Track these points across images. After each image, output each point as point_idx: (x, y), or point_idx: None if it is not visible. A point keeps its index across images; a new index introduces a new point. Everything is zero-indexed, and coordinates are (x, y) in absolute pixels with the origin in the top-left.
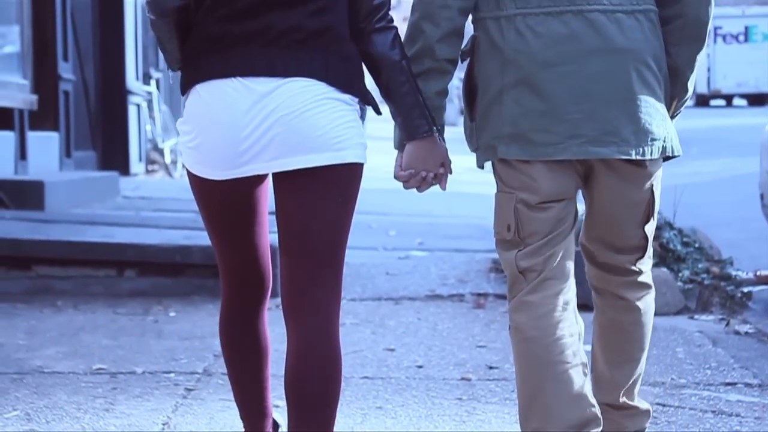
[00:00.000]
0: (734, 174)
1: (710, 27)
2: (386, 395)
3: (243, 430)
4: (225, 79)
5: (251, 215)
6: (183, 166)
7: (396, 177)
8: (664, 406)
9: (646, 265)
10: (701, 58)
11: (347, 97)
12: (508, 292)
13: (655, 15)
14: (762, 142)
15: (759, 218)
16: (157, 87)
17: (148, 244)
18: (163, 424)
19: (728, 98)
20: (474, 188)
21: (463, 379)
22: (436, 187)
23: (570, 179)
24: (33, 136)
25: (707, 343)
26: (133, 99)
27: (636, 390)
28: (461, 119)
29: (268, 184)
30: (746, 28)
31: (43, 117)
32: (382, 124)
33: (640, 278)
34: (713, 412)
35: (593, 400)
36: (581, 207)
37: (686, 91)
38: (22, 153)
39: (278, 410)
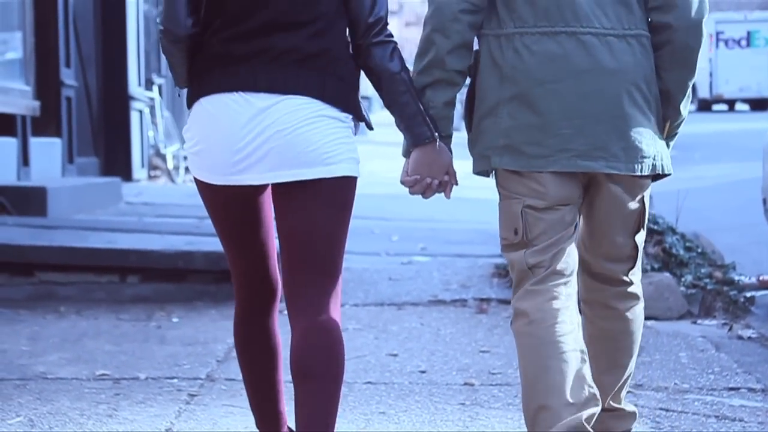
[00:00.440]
0: (737, 179)
1: (702, 51)
2: (389, 400)
3: None
4: (228, 93)
5: (255, 220)
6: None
7: (402, 182)
8: (667, 411)
9: (636, 276)
10: (703, 63)
11: (342, 114)
12: (514, 287)
13: (647, 40)
14: (764, 146)
15: (762, 223)
16: (160, 93)
17: (151, 250)
18: (166, 430)
19: (730, 103)
20: (476, 193)
21: (466, 384)
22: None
23: (575, 187)
24: (35, 142)
25: (710, 348)
26: (135, 105)
27: (623, 393)
28: (462, 124)
29: (269, 194)
30: (748, 33)
31: (46, 123)
32: (385, 129)
33: (630, 289)
34: (716, 417)
35: (592, 382)
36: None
37: (679, 114)
38: (24, 159)
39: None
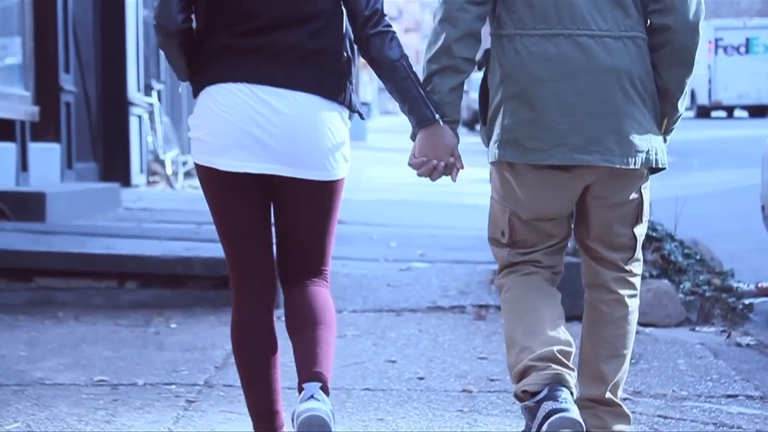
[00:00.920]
0: (735, 185)
1: (699, 51)
2: (387, 407)
3: None
4: (234, 83)
5: (254, 207)
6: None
7: (410, 164)
8: (665, 418)
9: (636, 268)
10: (702, 70)
11: (339, 108)
12: (498, 270)
13: (642, 41)
14: (763, 153)
15: (760, 230)
16: (159, 98)
17: (150, 256)
18: None
19: (729, 110)
20: (476, 200)
21: (464, 391)
22: (438, 199)
23: (563, 199)
24: (34, 148)
25: (709, 355)
26: (134, 110)
27: (619, 391)
28: (463, 130)
29: (266, 189)
30: (747, 39)
31: (45, 128)
32: (384, 135)
33: (630, 278)
34: (715, 424)
35: (566, 331)
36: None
37: (676, 110)
38: (23, 164)
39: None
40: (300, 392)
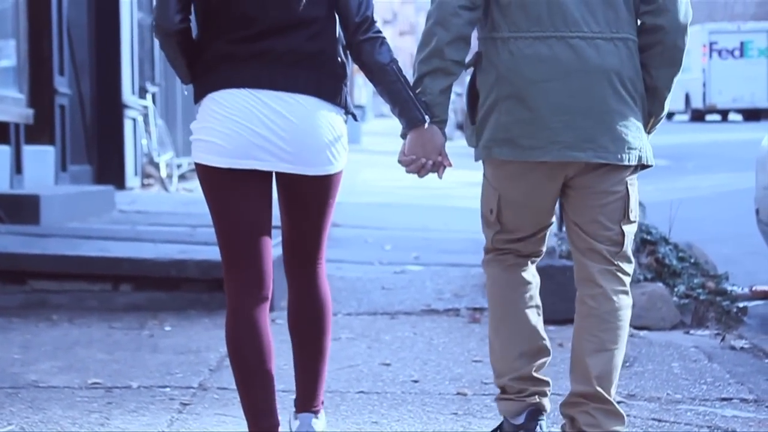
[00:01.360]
0: (730, 189)
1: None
2: (382, 410)
3: None
4: (236, 88)
5: (257, 201)
6: (180, 178)
7: (399, 162)
8: (659, 421)
9: (625, 266)
10: (697, 74)
11: (336, 108)
12: (484, 249)
13: (633, 43)
14: (758, 157)
15: (755, 233)
16: (153, 101)
17: (144, 258)
18: None
19: (724, 113)
20: (470, 203)
21: (458, 393)
22: (432, 202)
23: (544, 188)
24: (28, 150)
25: (703, 359)
26: (128, 113)
27: (612, 389)
28: (457, 133)
29: (270, 186)
30: (742, 43)
31: (39, 131)
32: (378, 138)
33: (618, 272)
34: (709, 427)
35: (544, 335)
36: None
37: (663, 109)
38: (17, 167)
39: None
40: (296, 407)
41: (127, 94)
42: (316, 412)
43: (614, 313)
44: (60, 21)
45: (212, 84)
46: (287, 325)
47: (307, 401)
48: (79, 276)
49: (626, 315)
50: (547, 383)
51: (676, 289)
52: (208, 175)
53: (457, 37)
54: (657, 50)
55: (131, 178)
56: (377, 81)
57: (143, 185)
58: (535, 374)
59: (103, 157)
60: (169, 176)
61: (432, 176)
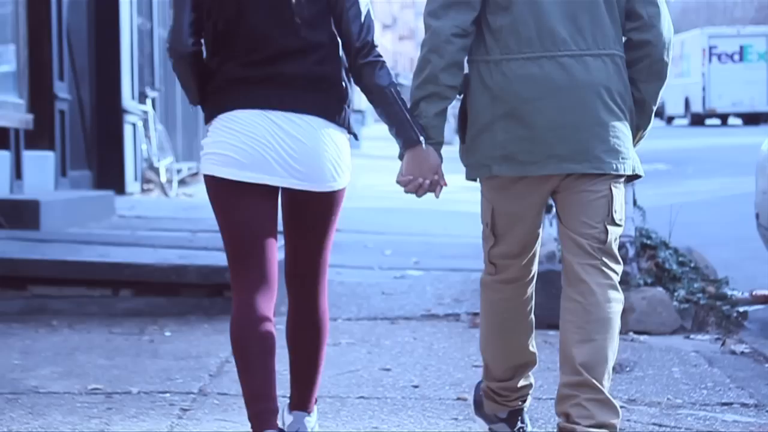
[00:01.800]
0: (730, 193)
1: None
2: (382, 415)
3: None
4: (249, 109)
5: (265, 217)
6: (180, 183)
7: (398, 182)
8: (660, 426)
9: (611, 262)
10: (696, 78)
11: (342, 129)
12: (484, 263)
13: (620, 59)
14: (758, 161)
15: (755, 238)
16: (153, 106)
17: (144, 264)
18: None
19: (723, 117)
20: (470, 207)
21: (458, 399)
22: (432, 206)
23: (534, 201)
24: (28, 156)
25: (703, 363)
26: (128, 118)
27: (605, 380)
28: (455, 138)
29: (276, 199)
30: (741, 47)
31: (39, 136)
32: (379, 143)
33: (603, 267)
34: None
35: (533, 349)
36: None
37: (650, 121)
38: (17, 172)
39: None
40: (289, 406)
41: (127, 99)
42: (309, 412)
43: (600, 305)
44: (60, 26)
45: (224, 105)
46: (285, 332)
47: (300, 402)
48: (79, 281)
49: (614, 308)
50: (530, 386)
51: (676, 294)
52: (218, 187)
53: (450, 63)
54: (645, 64)
55: (131, 183)
56: (376, 102)
57: (143, 190)
58: (519, 384)
59: (102, 162)
60: (169, 181)
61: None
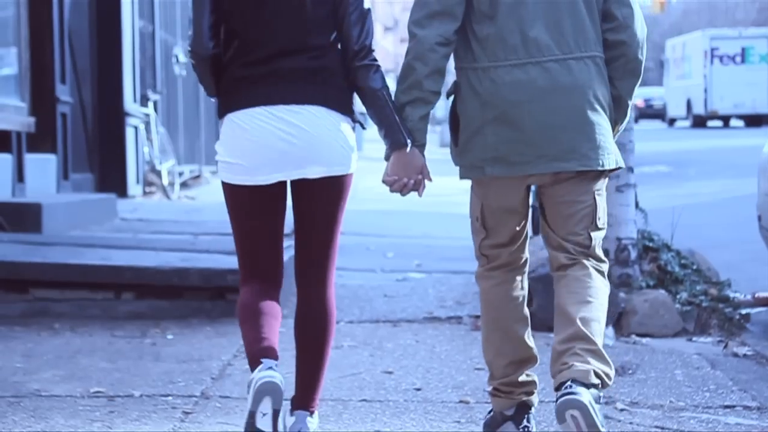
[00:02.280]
0: (732, 195)
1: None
2: (384, 418)
3: None
4: (252, 108)
5: (275, 211)
6: (182, 186)
7: (383, 182)
8: (663, 429)
9: (594, 260)
10: (698, 80)
11: (343, 116)
12: (476, 257)
13: (600, 60)
14: (760, 163)
15: (757, 240)
16: (155, 109)
17: (146, 267)
18: None
19: (725, 119)
20: None
21: (461, 401)
22: (434, 209)
23: (522, 197)
24: (30, 159)
25: (706, 366)
26: (130, 121)
27: (598, 337)
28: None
29: (286, 194)
30: (743, 49)
31: (41, 139)
32: (381, 145)
33: (588, 261)
34: None
35: (532, 344)
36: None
37: (626, 115)
38: (19, 175)
39: None
40: (292, 406)
41: (129, 102)
42: (311, 412)
43: (590, 276)
44: (61, 29)
45: (231, 104)
46: (293, 329)
47: (303, 401)
48: (81, 284)
49: (604, 286)
50: (533, 383)
51: (678, 296)
52: (230, 189)
53: (434, 70)
54: (620, 63)
55: (133, 186)
56: (369, 104)
57: (145, 193)
58: (521, 379)
59: (104, 165)
60: (171, 184)
61: (437, 185)
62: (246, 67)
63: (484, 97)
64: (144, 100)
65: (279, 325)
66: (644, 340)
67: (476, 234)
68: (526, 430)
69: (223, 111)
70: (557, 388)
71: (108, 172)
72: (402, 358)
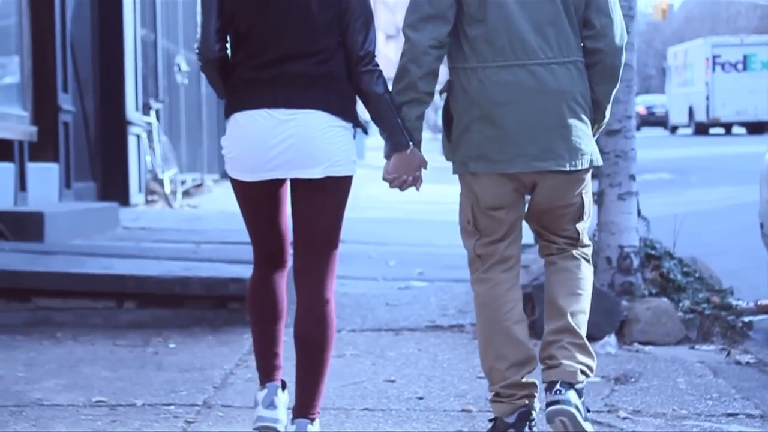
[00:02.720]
0: (734, 203)
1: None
2: (386, 427)
3: None
4: (256, 109)
5: (276, 208)
6: (184, 194)
7: (384, 179)
8: None
9: (583, 248)
10: (700, 87)
11: (344, 123)
12: (469, 267)
13: (581, 64)
14: (761, 170)
15: (759, 247)
16: (157, 117)
17: (148, 276)
18: None
19: (727, 126)
20: None
21: (463, 410)
22: (436, 217)
23: (510, 194)
24: (33, 168)
25: (708, 374)
26: (132, 130)
27: (582, 328)
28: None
29: (287, 188)
30: (745, 56)
31: (43, 148)
32: (382, 153)
33: (572, 251)
34: None
35: (530, 346)
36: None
37: (604, 117)
38: (21, 184)
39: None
40: (293, 414)
41: (131, 111)
42: (312, 420)
43: (579, 265)
44: (63, 38)
45: (237, 105)
46: (293, 336)
47: (304, 408)
48: (83, 293)
49: (590, 275)
50: (534, 386)
51: (680, 304)
52: (236, 185)
53: (427, 72)
54: (598, 69)
55: (135, 195)
56: (371, 107)
57: (147, 202)
58: (522, 381)
59: (107, 173)
60: (173, 192)
61: (438, 192)
62: (253, 69)
63: (471, 95)
64: (146, 109)
65: (284, 323)
66: (647, 348)
67: (469, 237)
68: None
69: (229, 110)
70: (548, 388)
71: (110, 180)
72: (404, 366)
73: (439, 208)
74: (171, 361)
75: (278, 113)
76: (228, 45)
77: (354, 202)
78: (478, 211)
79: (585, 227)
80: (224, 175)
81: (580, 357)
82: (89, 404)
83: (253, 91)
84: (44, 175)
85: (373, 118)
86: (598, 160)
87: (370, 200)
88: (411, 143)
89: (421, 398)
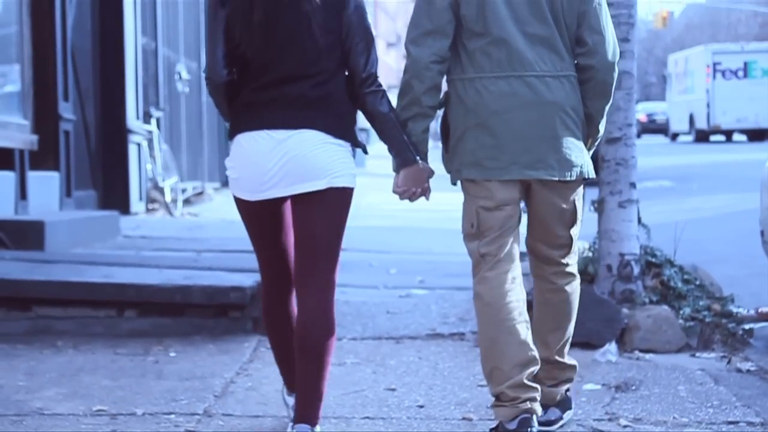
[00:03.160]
0: (734, 210)
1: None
2: None
3: None
4: (256, 131)
5: (279, 225)
6: (185, 203)
7: (394, 191)
8: None
9: (572, 259)
10: (701, 94)
11: (340, 141)
12: (473, 271)
13: (574, 78)
14: (762, 178)
15: (760, 255)
16: (158, 126)
17: (149, 284)
18: None
19: (728, 134)
20: None
21: (464, 419)
22: (437, 225)
23: (515, 191)
24: (33, 176)
25: (709, 381)
26: (133, 138)
27: (566, 350)
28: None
29: (287, 209)
30: (745, 63)
31: (44, 157)
32: (383, 161)
33: (567, 269)
34: None
35: (533, 347)
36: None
37: (598, 132)
38: (22, 193)
39: None
40: (294, 420)
41: (132, 119)
42: (313, 425)
43: (565, 301)
44: (64, 47)
45: (240, 126)
46: (294, 345)
47: (305, 415)
48: (83, 302)
49: (576, 297)
50: (537, 390)
51: (681, 312)
52: (240, 204)
53: (430, 87)
54: (590, 85)
55: (136, 203)
56: (378, 126)
57: (148, 210)
58: (526, 381)
59: (107, 182)
60: (174, 201)
61: (440, 201)
62: (254, 91)
63: (468, 105)
64: (147, 117)
65: (291, 343)
66: (647, 356)
67: (472, 241)
68: None
69: (233, 132)
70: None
71: (111, 189)
72: (405, 375)
73: (440, 216)
74: (171, 369)
75: (277, 134)
76: (235, 69)
77: (355, 210)
78: (482, 213)
79: (577, 232)
80: (225, 184)
81: (560, 377)
82: (90, 413)
83: (254, 113)
84: (45, 184)
85: (380, 136)
86: (590, 173)
87: (371, 208)
88: (418, 157)
89: (421, 406)
